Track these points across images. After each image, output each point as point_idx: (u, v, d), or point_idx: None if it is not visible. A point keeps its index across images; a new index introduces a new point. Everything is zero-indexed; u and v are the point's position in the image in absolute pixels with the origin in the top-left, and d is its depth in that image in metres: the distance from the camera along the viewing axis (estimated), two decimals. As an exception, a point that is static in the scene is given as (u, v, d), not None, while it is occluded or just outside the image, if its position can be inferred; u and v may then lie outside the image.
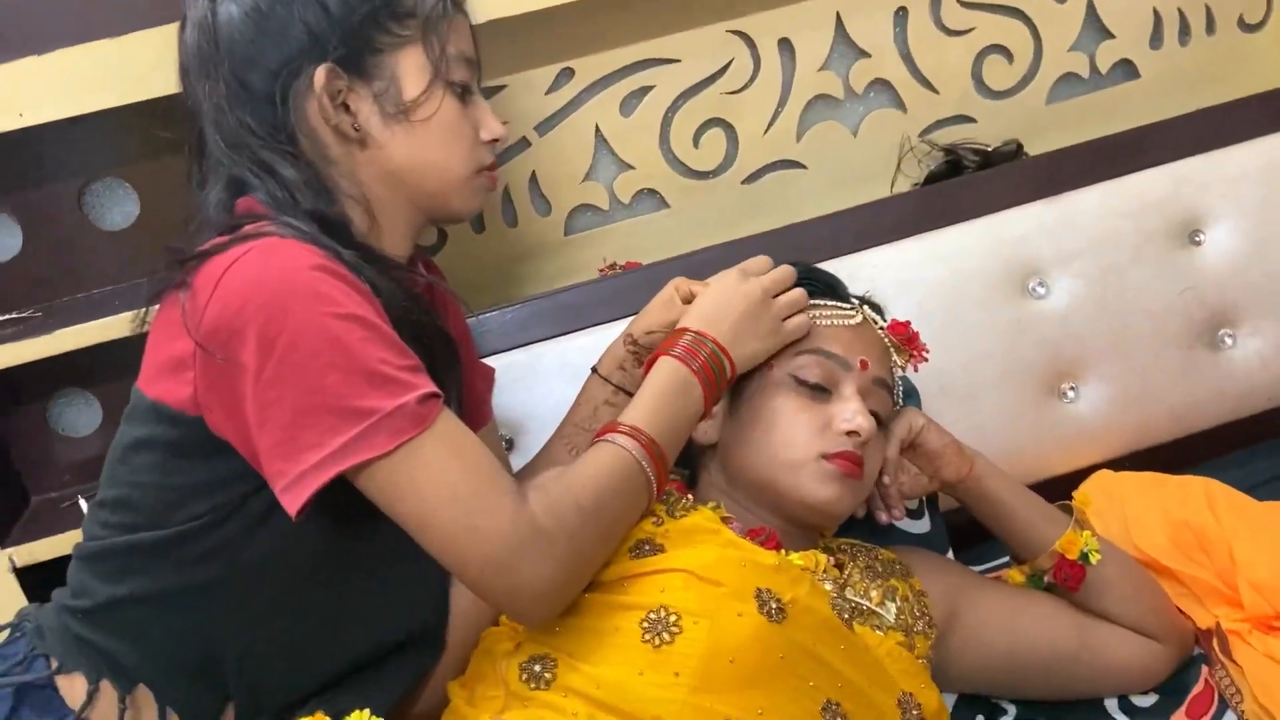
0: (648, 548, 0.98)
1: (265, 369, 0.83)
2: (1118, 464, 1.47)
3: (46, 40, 1.19)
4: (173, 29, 1.18)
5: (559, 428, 1.21)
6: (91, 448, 1.49)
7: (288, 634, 0.97)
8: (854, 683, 0.96)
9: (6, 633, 1.00)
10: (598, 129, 1.55)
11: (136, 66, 1.21)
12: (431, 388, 0.87)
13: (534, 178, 1.56)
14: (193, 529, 0.91)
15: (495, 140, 1.05)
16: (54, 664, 0.93)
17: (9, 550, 1.35)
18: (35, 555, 1.37)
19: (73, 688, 0.93)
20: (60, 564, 1.38)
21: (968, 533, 1.33)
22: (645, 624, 0.92)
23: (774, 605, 0.94)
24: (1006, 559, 1.27)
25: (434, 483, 0.85)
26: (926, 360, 1.20)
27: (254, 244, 0.88)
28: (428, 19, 0.98)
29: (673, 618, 0.92)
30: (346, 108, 0.97)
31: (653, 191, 1.60)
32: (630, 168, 1.58)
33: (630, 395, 1.11)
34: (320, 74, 0.95)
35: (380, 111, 0.97)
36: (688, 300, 1.12)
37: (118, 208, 1.42)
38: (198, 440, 0.89)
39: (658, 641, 0.91)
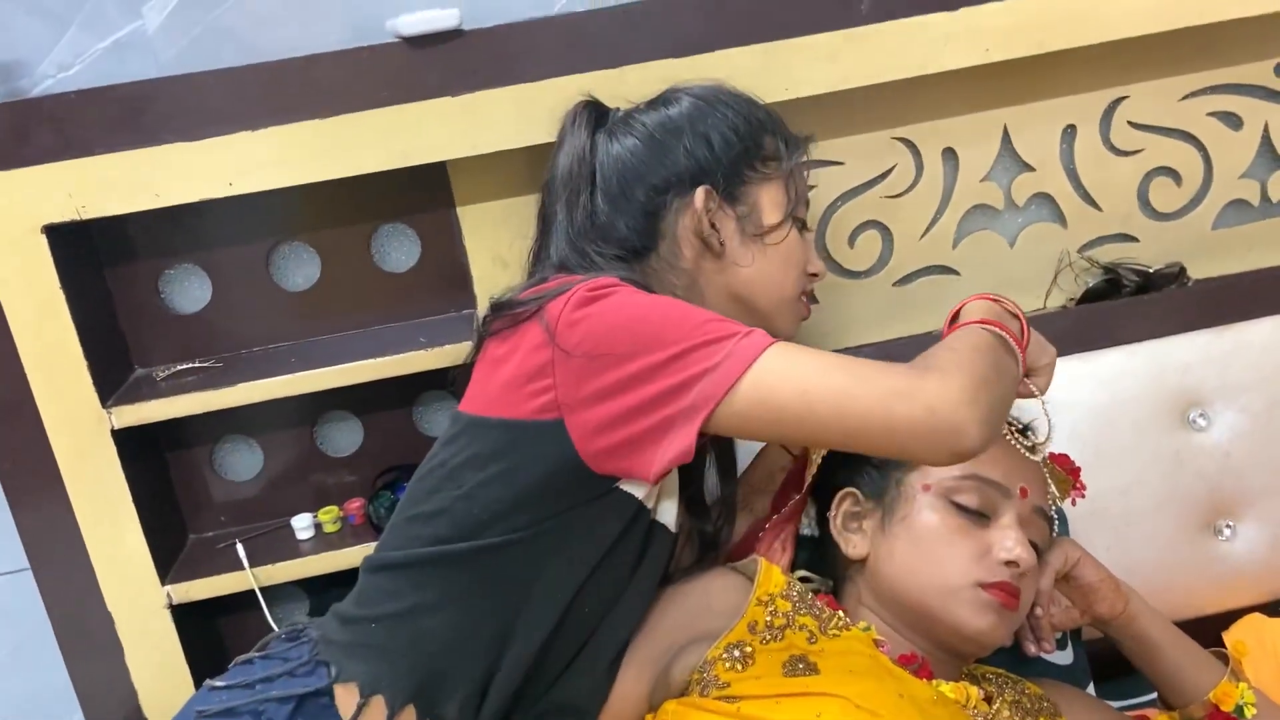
0: (801, 666, 0.98)
1: (636, 349, 0.93)
2: (1272, 608, 1.42)
3: (258, 118, 1.27)
4: (357, 117, 1.28)
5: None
6: (249, 491, 1.54)
7: (541, 652, 1.02)
8: (1006, 827, 0.94)
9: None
10: (756, 223, 1.58)
11: (331, 146, 1.29)
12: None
13: (689, 266, 1.59)
14: (499, 544, 0.98)
15: (816, 275, 1.20)
16: (334, 671, 0.99)
17: (168, 587, 1.42)
18: (190, 594, 1.42)
19: (347, 697, 0.98)
20: (209, 605, 1.46)
21: (1109, 664, 1.29)
22: (801, 747, 0.91)
23: (931, 743, 0.93)
24: (1151, 696, 1.24)
25: (820, 377, 0.90)
26: (1084, 497, 1.18)
27: (602, 280, 1.01)
28: (791, 165, 1.16)
29: (829, 744, 0.91)
30: (714, 225, 1.12)
31: (803, 287, 1.62)
32: (783, 262, 1.60)
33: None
34: (700, 194, 1.11)
35: (740, 231, 1.13)
36: None
37: (301, 271, 1.48)
38: (536, 450, 0.97)
39: (813, 766, 0.90)
